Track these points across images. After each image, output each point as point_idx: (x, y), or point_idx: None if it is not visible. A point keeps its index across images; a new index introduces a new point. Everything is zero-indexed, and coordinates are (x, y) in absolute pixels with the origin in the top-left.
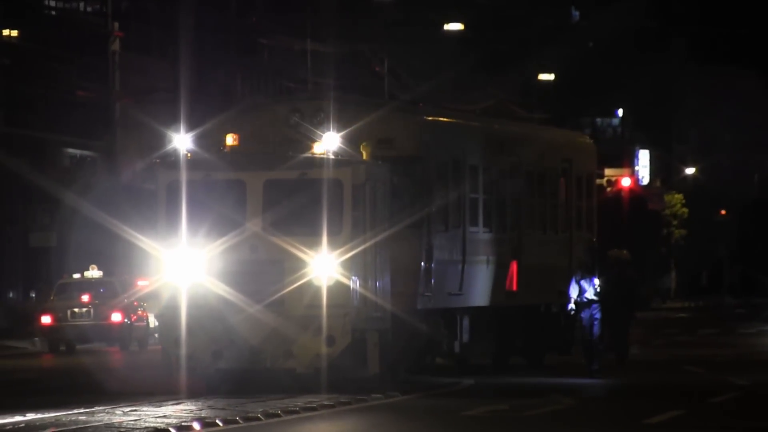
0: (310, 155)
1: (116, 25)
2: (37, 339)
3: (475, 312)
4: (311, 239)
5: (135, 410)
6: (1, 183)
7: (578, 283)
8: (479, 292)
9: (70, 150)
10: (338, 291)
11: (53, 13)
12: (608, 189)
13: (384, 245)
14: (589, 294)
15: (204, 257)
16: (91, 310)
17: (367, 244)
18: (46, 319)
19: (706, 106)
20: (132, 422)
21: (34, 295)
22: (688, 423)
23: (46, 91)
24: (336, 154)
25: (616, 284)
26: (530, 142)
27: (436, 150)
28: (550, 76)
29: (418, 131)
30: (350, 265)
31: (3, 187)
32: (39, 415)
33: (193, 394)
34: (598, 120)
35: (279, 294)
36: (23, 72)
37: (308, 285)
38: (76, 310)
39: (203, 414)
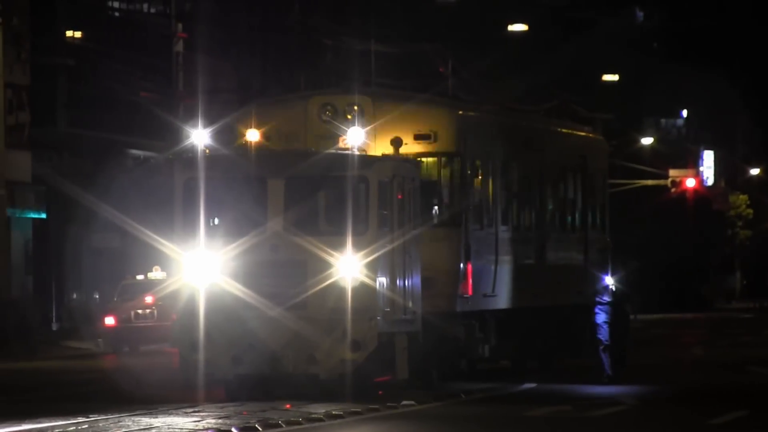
0: (333, 151)
1: (180, 26)
2: (100, 340)
3: (504, 314)
4: (335, 239)
5: (197, 411)
6: (67, 184)
7: (595, 285)
8: (509, 293)
9: (134, 151)
10: (364, 293)
11: (117, 14)
12: (673, 190)
13: (414, 244)
14: (605, 296)
15: (223, 258)
16: (155, 312)
17: (395, 244)
18: (109, 321)
19: None
20: (194, 423)
21: (97, 296)
22: (753, 424)
23: (109, 92)
24: (361, 150)
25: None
26: (552, 138)
27: (474, 145)
28: (614, 77)
29: (459, 126)
30: (376, 266)
31: (67, 188)
32: (102, 417)
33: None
34: (663, 120)
35: (301, 296)
36: (87, 73)
37: (332, 287)
38: (139, 311)
39: (266, 415)
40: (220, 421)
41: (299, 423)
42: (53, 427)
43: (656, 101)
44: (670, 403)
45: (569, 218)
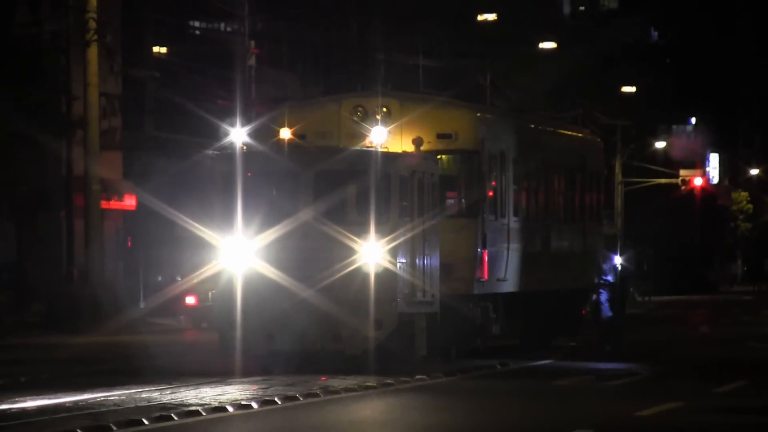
0: (359, 148)
1: (252, 43)
2: (182, 317)
3: (513, 296)
4: (360, 228)
5: (266, 380)
6: (153, 180)
7: (600, 266)
8: (518, 277)
9: (211, 151)
10: (385, 277)
11: (197, 32)
12: (682, 188)
13: (432, 233)
14: (609, 276)
15: (258, 245)
16: None
17: (415, 232)
18: (190, 300)
19: None
20: (263, 390)
21: (179, 279)
22: (753, 391)
23: (190, 100)
24: (384, 147)
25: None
26: (556, 138)
27: (490, 144)
28: (632, 89)
29: (477, 126)
30: (397, 253)
31: (155, 183)
32: (183, 384)
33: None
34: (674, 127)
35: (329, 280)
36: (171, 83)
37: (356, 271)
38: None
39: (327, 383)
40: (286, 387)
41: (355, 390)
42: (140, 392)
43: (668, 110)
44: (679, 373)
45: (570, 210)
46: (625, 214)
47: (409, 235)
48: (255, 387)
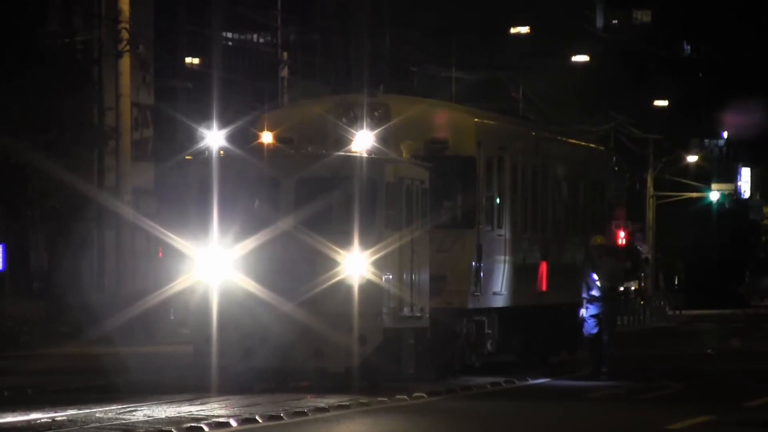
0: (343, 153)
1: (285, 54)
2: None
3: (510, 311)
4: (343, 238)
5: (298, 391)
6: (185, 191)
7: (586, 281)
8: (515, 291)
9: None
10: (370, 290)
11: (230, 43)
12: (714, 201)
13: (421, 244)
14: (595, 291)
15: (236, 255)
16: None
17: (402, 243)
18: None
19: None
20: (294, 400)
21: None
22: None
23: (223, 111)
24: (370, 152)
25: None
26: (558, 147)
27: (487, 151)
28: (664, 102)
29: (474, 132)
30: (383, 264)
31: (186, 195)
32: (213, 395)
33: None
34: (706, 141)
35: (311, 293)
36: (204, 94)
37: (340, 284)
38: None
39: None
40: (326, 400)
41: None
42: (171, 403)
43: (700, 124)
44: (710, 387)
45: (572, 221)
46: (657, 228)
47: (396, 245)
48: (289, 396)
